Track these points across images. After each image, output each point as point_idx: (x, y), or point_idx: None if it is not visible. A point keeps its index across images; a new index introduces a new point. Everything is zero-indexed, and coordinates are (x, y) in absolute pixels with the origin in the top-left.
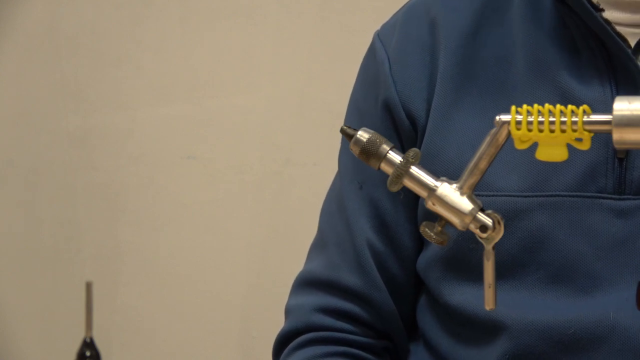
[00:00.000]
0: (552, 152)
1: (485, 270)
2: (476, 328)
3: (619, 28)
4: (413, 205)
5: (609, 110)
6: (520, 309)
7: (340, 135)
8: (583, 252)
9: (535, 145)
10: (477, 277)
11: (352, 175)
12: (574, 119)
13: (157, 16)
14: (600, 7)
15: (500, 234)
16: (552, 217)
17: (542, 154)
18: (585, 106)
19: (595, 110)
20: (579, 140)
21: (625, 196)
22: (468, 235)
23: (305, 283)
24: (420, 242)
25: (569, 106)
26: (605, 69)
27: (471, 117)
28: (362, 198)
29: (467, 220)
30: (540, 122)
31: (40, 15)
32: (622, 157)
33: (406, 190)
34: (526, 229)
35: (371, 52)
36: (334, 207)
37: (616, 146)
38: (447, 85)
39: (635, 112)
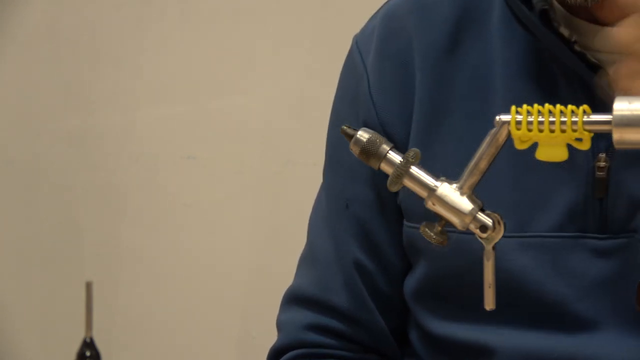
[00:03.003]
0: (552, 152)
1: (485, 270)
2: (461, 354)
3: (596, 55)
4: (398, 223)
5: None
6: (504, 336)
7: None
8: (565, 294)
9: (532, 147)
10: (457, 312)
11: (337, 193)
12: (574, 119)
13: (157, 16)
14: (573, 39)
15: (500, 233)
16: (534, 259)
17: (542, 154)
18: (585, 106)
19: None
20: (579, 140)
21: (607, 235)
22: (444, 271)
23: (295, 299)
24: (408, 260)
25: (569, 106)
26: (584, 100)
27: (449, 141)
28: (348, 217)
29: (467, 220)
30: (540, 122)
31: (40, 15)
32: (602, 197)
33: (391, 209)
34: (507, 270)
35: (350, 62)
36: (322, 225)
37: (616, 146)
38: (424, 106)
39: (635, 112)
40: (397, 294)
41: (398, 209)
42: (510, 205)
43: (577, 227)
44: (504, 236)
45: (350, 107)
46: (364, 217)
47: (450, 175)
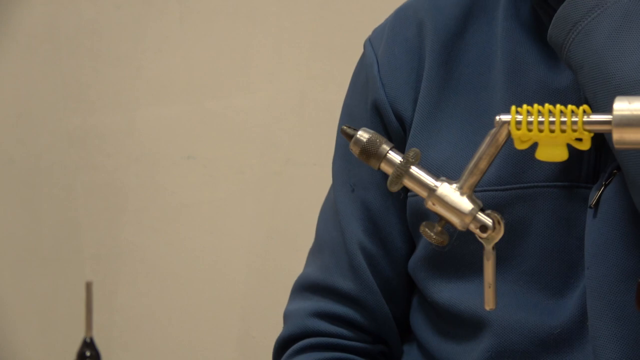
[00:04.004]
0: (552, 152)
1: (485, 270)
2: (462, 325)
3: None
4: (404, 206)
5: (582, 96)
6: (504, 306)
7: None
8: (564, 242)
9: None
10: (461, 273)
11: (344, 179)
12: (574, 119)
13: (157, 16)
14: None
15: (500, 233)
16: (531, 209)
17: (542, 154)
18: (585, 106)
19: (568, 98)
20: (579, 140)
21: (597, 184)
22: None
23: (302, 288)
24: (412, 244)
25: (569, 106)
26: None
27: (453, 116)
28: (353, 201)
29: (467, 220)
30: (540, 122)
31: (40, 15)
32: (598, 145)
33: (397, 192)
34: (506, 222)
35: (362, 57)
36: (329, 212)
37: (616, 146)
38: (431, 85)
39: (635, 112)
40: (400, 279)
41: (402, 190)
42: (504, 157)
43: (572, 177)
44: (501, 189)
45: (360, 93)
46: (369, 200)
47: (456, 147)
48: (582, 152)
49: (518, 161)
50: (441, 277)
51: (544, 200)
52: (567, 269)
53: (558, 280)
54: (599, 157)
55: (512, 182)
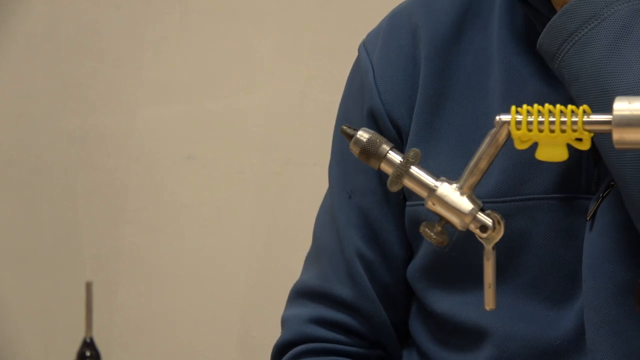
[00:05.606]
0: (552, 152)
1: (485, 270)
2: (462, 335)
3: None
4: (402, 213)
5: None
6: (504, 317)
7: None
8: (563, 254)
9: (532, 145)
10: (461, 285)
11: (342, 185)
12: (574, 119)
13: (157, 16)
14: None
15: (500, 233)
16: (531, 221)
17: (542, 154)
18: (585, 106)
19: None
20: (579, 140)
21: (595, 195)
22: (449, 244)
23: (299, 294)
24: (410, 249)
25: (569, 106)
26: None
27: (451, 125)
28: (351, 208)
29: (467, 220)
30: (540, 122)
31: (40, 15)
32: (596, 157)
33: (395, 199)
34: (506, 234)
35: (357, 61)
36: (326, 218)
37: (616, 146)
38: (427, 93)
39: (635, 112)
40: (398, 286)
41: (400, 197)
42: (503, 170)
43: (572, 188)
44: (500, 201)
45: (355, 99)
46: (367, 206)
47: (452, 157)
48: (581, 163)
49: (517, 173)
50: (440, 288)
51: (543, 212)
52: (566, 280)
53: (558, 291)
54: (598, 167)
55: (511, 194)
